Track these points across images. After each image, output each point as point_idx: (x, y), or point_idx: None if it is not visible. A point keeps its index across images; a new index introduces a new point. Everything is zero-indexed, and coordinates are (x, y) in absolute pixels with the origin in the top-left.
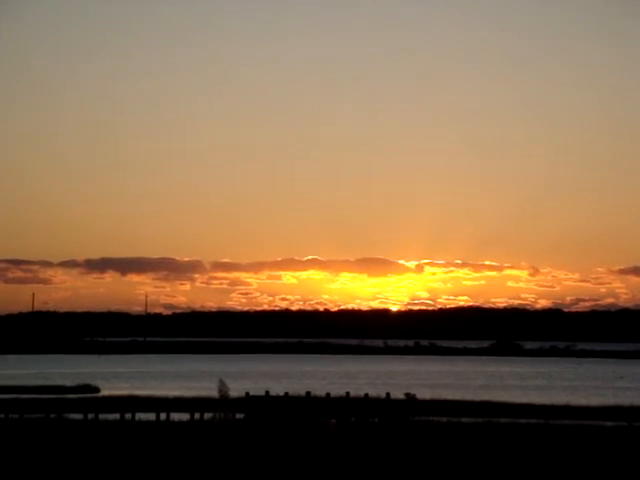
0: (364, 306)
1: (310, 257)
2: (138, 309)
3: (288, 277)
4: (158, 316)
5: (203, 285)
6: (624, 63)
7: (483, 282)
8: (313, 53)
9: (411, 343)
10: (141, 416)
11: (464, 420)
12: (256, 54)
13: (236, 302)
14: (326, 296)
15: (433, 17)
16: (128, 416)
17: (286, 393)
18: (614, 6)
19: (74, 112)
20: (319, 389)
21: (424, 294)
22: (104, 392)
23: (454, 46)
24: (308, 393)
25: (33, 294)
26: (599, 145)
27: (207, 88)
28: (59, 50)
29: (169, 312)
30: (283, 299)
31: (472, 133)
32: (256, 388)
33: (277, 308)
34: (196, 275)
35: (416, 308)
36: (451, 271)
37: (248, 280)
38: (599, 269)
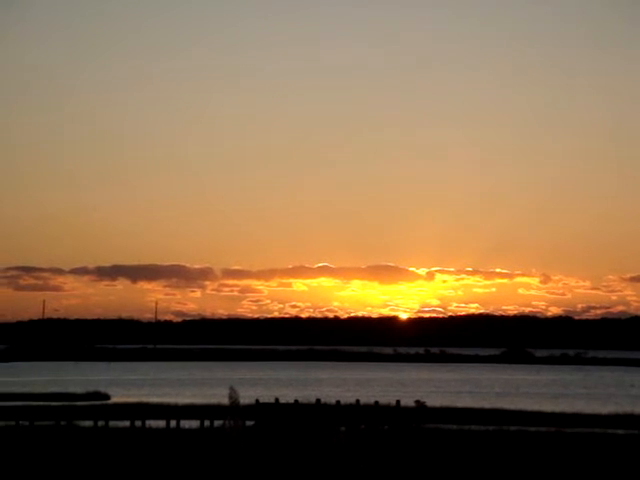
0: (374, 313)
1: (321, 264)
2: (149, 316)
3: (299, 284)
4: (168, 323)
5: (214, 292)
6: (636, 68)
7: (494, 289)
8: (322, 58)
9: (421, 350)
10: (151, 423)
11: (474, 428)
12: (266, 59)
13: (246, 309)
14: (336, 303)
15: (443, 24)
16: (138, 423)
17: (296, 400)
18: (621, 11)
19: (85, 121)
20: (329, 396)
21: (435, 301)
22: (114, 399)
23: (466, 55)
24: (318, 400)
25: (44, 301)
26: (610, 152)
27: (216, 95)
28: (68, 56)
29: (179, 319)
30: (293, 306)
31: (482, 140)
32: (266, 395)
33: (287, 315)
34: (207, 282)
35: (427, 315)
36: (462, 278)
37: (259, 287)
38: (610, 277)
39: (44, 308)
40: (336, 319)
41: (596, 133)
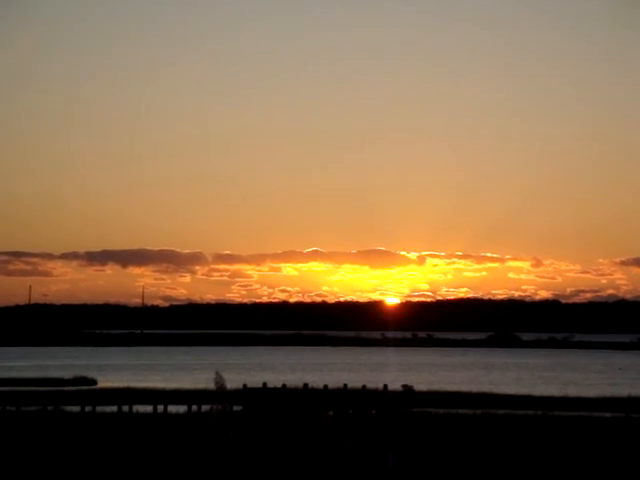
0: (364, 298)
1: (311, 249)
2: (137, 301)
3: (289, 269)
4: (155, 308)
5: (204, 277)
6: (617, 62)
7: (484, 273)
8: (317, 46)
9: (409, 335)
10: (138, 408)
11: (461, 411)
12: (259, 47)
13: (236, 294)
14: (326, 288)
15: (433, 18)
16: (125, 408)
17: (284, 385)
18: (600, 13)
19: (75, 105)
20: (318, 381)
21: (425, 286)
22: (101, 384)
23: (456, 47)
24: (305, 385)
25: (30, 286)
26: (600, 136)
27: (208, 80)
28: (65, 42)
29: (166, 304)
30: (283, 291)
31: (473, 125)
32: (254, 380)
33: (276, 300)
34: (197, 267)
35: (415, 300)
36: (452, 262)
37: (249, 272)
38: (600, 260)
39: (30, 293)
40: (324, 304)
41: (586, 120)
